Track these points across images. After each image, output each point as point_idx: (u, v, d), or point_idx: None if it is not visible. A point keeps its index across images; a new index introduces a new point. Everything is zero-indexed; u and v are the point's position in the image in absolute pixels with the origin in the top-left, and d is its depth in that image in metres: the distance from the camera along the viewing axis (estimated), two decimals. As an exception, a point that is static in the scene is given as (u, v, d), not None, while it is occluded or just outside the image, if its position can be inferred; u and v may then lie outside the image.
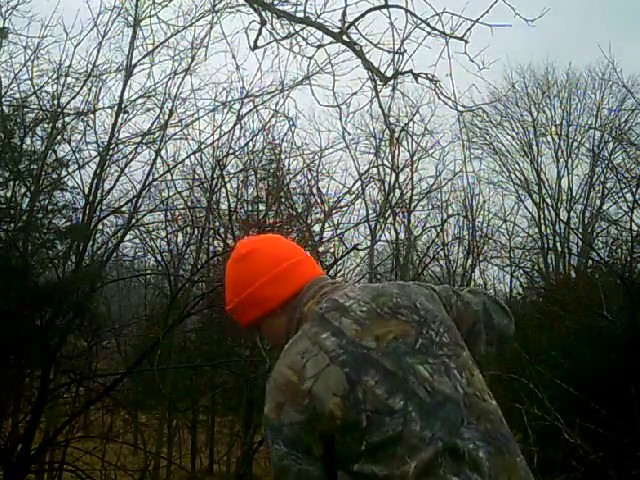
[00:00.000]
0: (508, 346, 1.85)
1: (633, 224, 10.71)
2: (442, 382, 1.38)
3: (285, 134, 10.43)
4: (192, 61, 8.71)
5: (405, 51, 5.06)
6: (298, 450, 1.35)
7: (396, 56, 5.08)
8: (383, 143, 16.08)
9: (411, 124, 15.76)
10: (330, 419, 1.32)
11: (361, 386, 1.33)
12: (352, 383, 1.33)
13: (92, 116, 8.67)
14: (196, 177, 10.27)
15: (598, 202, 18.43)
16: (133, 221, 9.02)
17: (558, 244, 18.34)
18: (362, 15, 4.95)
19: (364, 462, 1.31)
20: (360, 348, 1.38)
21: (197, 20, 8.39)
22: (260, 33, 5.18)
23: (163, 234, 11.12)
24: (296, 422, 1.34)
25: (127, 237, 9.56)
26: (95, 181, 8.51)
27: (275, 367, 1.44)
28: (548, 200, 18.82)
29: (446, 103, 5.31)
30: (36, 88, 8.44)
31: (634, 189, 12.14)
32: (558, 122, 19.14)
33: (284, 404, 1.36)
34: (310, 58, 5.52)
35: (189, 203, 10.08)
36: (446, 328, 1.49)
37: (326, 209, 13.34)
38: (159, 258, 11.70)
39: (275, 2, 5.22)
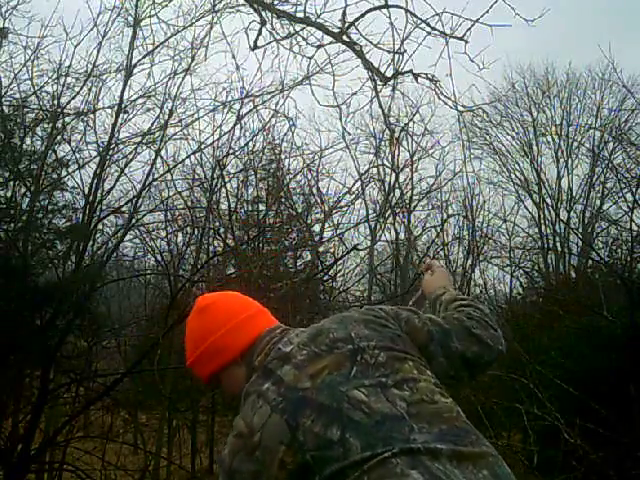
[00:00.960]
0: (483, 372, 1.83)
1: (633, 224, 10.72)
2: (379, 401, 1.40)
3: (285, 134, 10.45)
4: (192, 61, 8.73)
5: (405, 51, 5.07)
6: None
7: (396, 56, 5.08)
8: (383, 143, 16.11)
9: (411, 124, 15.82)
10: (281, 467, 1.37)
11: (300, 428, 1.38)
12: (292, 428, 1.38)
13: (92, 116, 8.68)
14: (196, 177, 10.29)
15: (598, 202, 18.45)
16: (133, 221, 9.02)
17: (558, 244, 18.35)
18: (362, 15, 4.96)
19: None
20: (296, 392, 1.44)
21: (197, 20, 8.41)
22: (260, 33, 5.19)
23: (163, 234, 11.13)
24: (248, 471, 1.41)
25: (127, 237, 9.58)
26: (95, 181, 8.51)
27: (234, 419, 1.50)
28: (548, 200, 18.83)
29: (446, 103, 5.32)
30: (36, 88, 8.46)
31: (634, 189, 12.13)
32: (558, 122, 19.16)
33: (239, 453, 1.43)
34: (310, 58, 5.53)
35: (189, 203, 10.08)
36: (382, 348, 1.52)
37: (326, 209, 13.37)
38: (159, 258, 11.71)
39: (275, 2, 5.22)
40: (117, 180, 8.88)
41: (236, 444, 1.44)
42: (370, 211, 15.90)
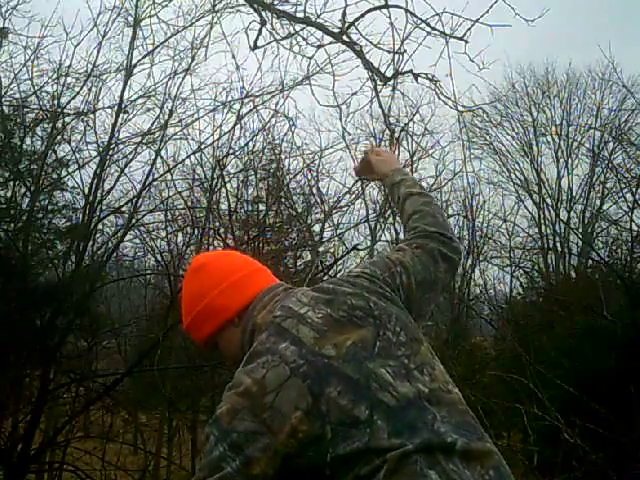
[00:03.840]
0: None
1: (633, 224, 10.74)
2: (404, 385, 1.35)
3: (285, 134, 10.41)
4: (192, 61, 8.70)
5: (405, 51, 5.07)
6: (239, 459, 1.28)
7: (396, 56, 5.09)
8: (383, 143, 16.05)
9: (411, 124, 15.69)
10: (290, 435, 1.28)
11: (324, 398, 1.29)
12: (314, 396, 1.29)
13: (92, 116, 8.67)
14: (196, 177, 10.26)
15: (598, 202, 18.45)
16: (133, 221, 9.01)
17: (558, 244, 18.34)
18: (362, 15, 4.96)
19: (331, 474, 1.28)
20: (320, 357, 1.34)
21: (197, 20, 8.39)
22: (260, 33, 5.19)
23: (163, 234, 11.11)
24: (249, 432, 1.29)
25: (127, 237, 9.55)
26: (95, 181, 8.51)
27: (235, 375, 1.39)
28: (548, 200, 18.83)
29: (446, 103, 5.32)
30: (36, 88, 8.45)
31: (634, 189, 12.16)
32: (558, 122, 19.16)
33: (240, 411, 1.31)
34: (310, 58, 5.54)
35: (189, 203, 10.06)
36: (402, 325, 1.46)
37: (326, 209, 13.34)
38: (159, 258, 11.70)
39: (275, 2, 5.22)
40: (117, 180, 8.87)
41: (238, 402, 1.32)
42: (370, 211, 15.88)
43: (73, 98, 8.54)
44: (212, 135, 9.27)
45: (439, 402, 1.36)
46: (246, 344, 1.48)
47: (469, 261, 17.37)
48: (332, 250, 12.13)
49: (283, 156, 10.89)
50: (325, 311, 1.44)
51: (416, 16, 4.89)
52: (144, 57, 8.61)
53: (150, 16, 8.32)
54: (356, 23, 5.02)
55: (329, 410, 1.28)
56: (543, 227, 18.52)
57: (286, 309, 1.46)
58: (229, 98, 9.03)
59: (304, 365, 1.33)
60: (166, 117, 8.70)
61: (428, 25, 4.89)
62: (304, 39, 5.34)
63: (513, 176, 19.22)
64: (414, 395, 1.34)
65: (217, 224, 10.07)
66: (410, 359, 1.40)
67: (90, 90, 8.57)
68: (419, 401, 1.34)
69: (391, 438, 1.27)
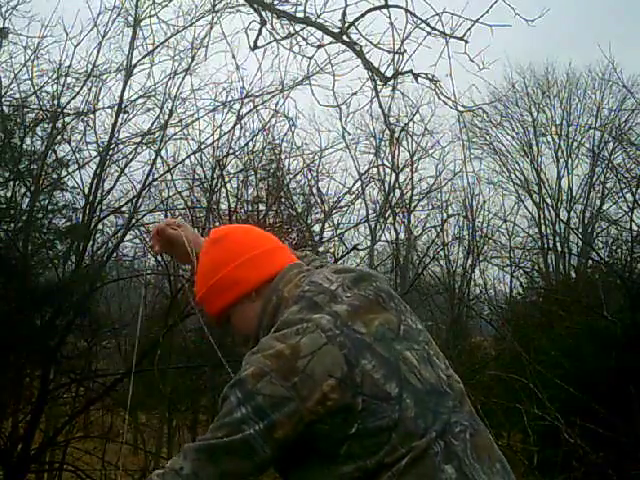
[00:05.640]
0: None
1: (633, 224, 10.73)
2: (427, 370, 1.36)
3: (285, 134, 10.41)
4: (192, 61, 8.71)
5: (405, 51, 5.07)
6: (262, 422, 1.25)
7: (396, 56, 5.09)
8: (383, 143, 16.08)
9: (411, 124, 15.76)
10: (319, 402, 1.25)
11: (359, 369, 1.28)
12: (350, 365, 1.27)
13: (92, 116, 8.68)
14: (196, 177, 10.26)
15: (598, 202, 18.43)
16: (133, 221, 9.01)
17: (558, 244, 18.34)
18: (362, 15, 4.96)
19: (349, 447, 1.26)
20: (354, 332, 1.33)
21: (197, 20, 8.41)
22: (260, 33, 5.19)
23: (163, 234, 11.09)
24: (276, 396, 1.25)
25: (127, 237, 9.55)
26: (95, 181, 8.51)
27: (262, 341, 1.35)
28: (548, 200, 18.82)
29: (446, 103, 5.33)
30: (36, 88, 8.45)
31: (634, 189, 12.14)
32: (558, 122, 19.14)
33: (268, 374, 1.27)
34: (310, 58, 5.54)
35: (189, 203, 10.06)
36: (415, 318, 1.48)
37: (326, 209, 13.35)
38: (159, 258, 11.69)
39: (275, 2, 5.23)
40: (117, 180, 8.87)
41: (267, 364, 1.28)
42: (370, 211, 15.87)
43: (73, 98, 8.56)
44: (212, 135, 9.28)
45: (454, 390, 1.39)
46: (267, 318, 1.45)
47: (469, 261, 17.38)
48: (332, 250, 12.13)
49: (283, 156, 10.90)
50: (353, 290, 1.42)
51: (416, 16, 4.90)
52: (144, 57, 8.63)
53: (150, 16, 8.35)
54: (356, 23, 5.03)
55: (363, 382, 1.27)
56: (543, 227, 18.52)
57: (316, 285, 1.43)
58: (229, 98, 9.04)
59: (340, 335, 1.30)
60: (166, 117, 8.71)
61: (428, 25, 4.90)
62: (304, 39, 5.36)
63: (513, 176, 19.22)
64: (436, 381, 1.36)
65: (217, 224, 10.06)
66: (429, 346, 1.42)
67: (90, 90, 8.59)
68: (440, 387, 1.36)
69: (417, 419, 1.28)
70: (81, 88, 8.50)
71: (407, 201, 17.14)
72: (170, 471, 1.31)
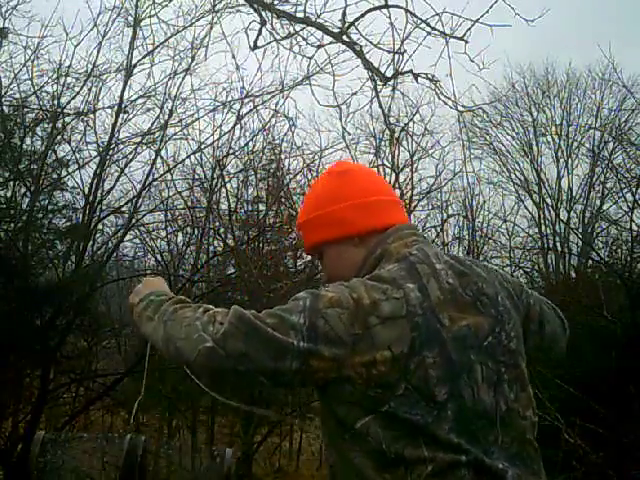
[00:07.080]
0: (556, 356, 1.78)
1: (633, 224, 10.70)
2: (488, 392, 1.29)
3: (285, 134, 10.42)
4: (192, 61, 8.72)
5: (405, 51, 5.06)
6: (308, 343, 1.22)
7: (396, 56, 5.08)
8: (383, 143, 16.07)
9: (411, 124, 15.73)
10: (365, 364, 1.22)
11: (418, 358, 1.23)
12: (412, 350, 1.22)
13: (92, 116, 8.68)
14: (196, 177, 10.27)
15: (598, 202, 18.43)
16: (133, 221, 9.02)
17: (558, 244, 18.33)
18: (362, 15, 4.95)
19: (367, 424, 1.23)
20: (435, 321, 1.27)
21: (197, 20, 8.41)
22: (260, 33, 5.18)
23: (163, 234, 11.12)
24: (335, 331, 1.22)
25: (127, 237, 9.57)
26: (95, 181, 8.52)
27: (353, 280, 1.31)
28: (548, 200, 18.82)
29: (446, 103, 5.32)
30: (36, 88, 8.45)
31: (634, 189, 12.12)
32: (558, 122, 19.13)
33: (343, 309, 1.24)
34: (310, 58, 5.53)
35: (189, 203, 10.07)
36: (516, 334, 1.39)
37: (326, 209, 13.32)
38: (159, 258, 11.70)
39: (275, 2, 5.22)
40: (117, 180, 8.89)
41: (347, 301, 1.24)
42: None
43: (73, 98, 8.56)
44: (212, 135, 9.30)
45: (509, 425, 1.30)
46: (367, 268, 1.40)
47: (469, 261, 17.36)
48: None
49: (283, 156, 10.90)
50: (455, 281, 1.36)
51: (416, 16, 4.89)
52: (144, 57, 8.64)
53: (150, 16, 8.35)
54: (356, 23, 5.02)
55: (415, 371, 1.23)
56: (543, 227, 18.53)
57: (424, 254, 1.38)
58: (229, 98, 9.06)
59: (421, 317, 1.26)
60: (166, 117, 8.72)
61: (428, 25, 4.89)
62: (304, 39, 5.35)
63: (513, 176, 19.22)
64: (490, 407, 1.28)
65: (217, 224, 10.08)
66: (508, 369, 1.34)
67: (90, 90, 8.59)
68: (492, 416, 1.28)
69: (451, 433, 1.22)
70: (81, 88, 8.51)
71: (407, 201, 17.13)
72: (212, 316, 1.28)
